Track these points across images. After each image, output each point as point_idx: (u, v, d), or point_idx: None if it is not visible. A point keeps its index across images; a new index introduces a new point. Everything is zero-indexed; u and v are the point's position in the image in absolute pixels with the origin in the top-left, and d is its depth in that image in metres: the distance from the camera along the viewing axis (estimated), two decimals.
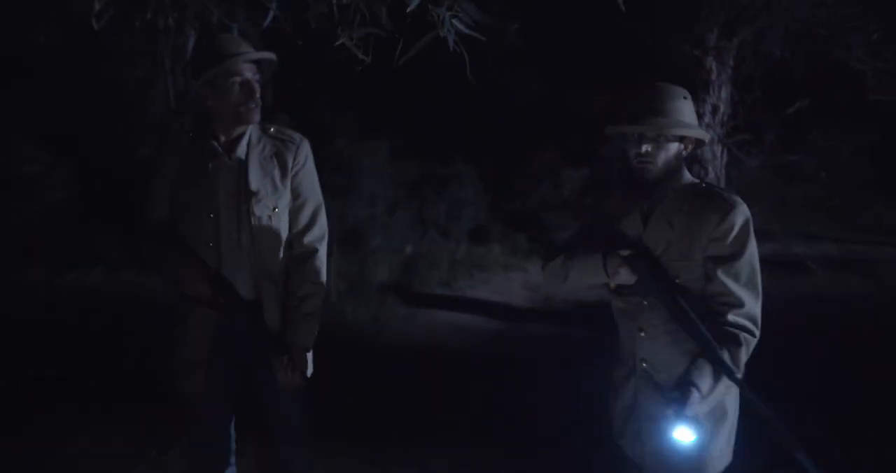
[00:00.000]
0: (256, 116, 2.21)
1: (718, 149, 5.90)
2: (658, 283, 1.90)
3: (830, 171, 14.30)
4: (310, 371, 2.32)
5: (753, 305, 1.93)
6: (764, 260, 5.96)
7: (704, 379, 1.83)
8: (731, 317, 1.90)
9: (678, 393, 1.81)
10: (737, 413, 2.07)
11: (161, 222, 2.34)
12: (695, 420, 1.80)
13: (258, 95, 2.18)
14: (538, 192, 11.48)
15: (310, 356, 2.32)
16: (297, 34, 2.55)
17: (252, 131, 2.26)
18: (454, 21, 1.92)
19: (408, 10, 1.90)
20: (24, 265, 7.12)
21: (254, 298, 2.28)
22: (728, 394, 1.97)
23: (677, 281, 1.93)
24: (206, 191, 2.23)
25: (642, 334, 1.99)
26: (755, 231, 1.95)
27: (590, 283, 2.04)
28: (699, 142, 2.03)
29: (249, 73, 2.16)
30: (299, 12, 2.30)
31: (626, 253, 1.93)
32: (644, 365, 2.00)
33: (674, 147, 1.95)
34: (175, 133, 2.32)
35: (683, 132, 1.92)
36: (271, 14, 2.22)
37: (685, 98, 1.97)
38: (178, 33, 7.75)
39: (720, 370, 1.83)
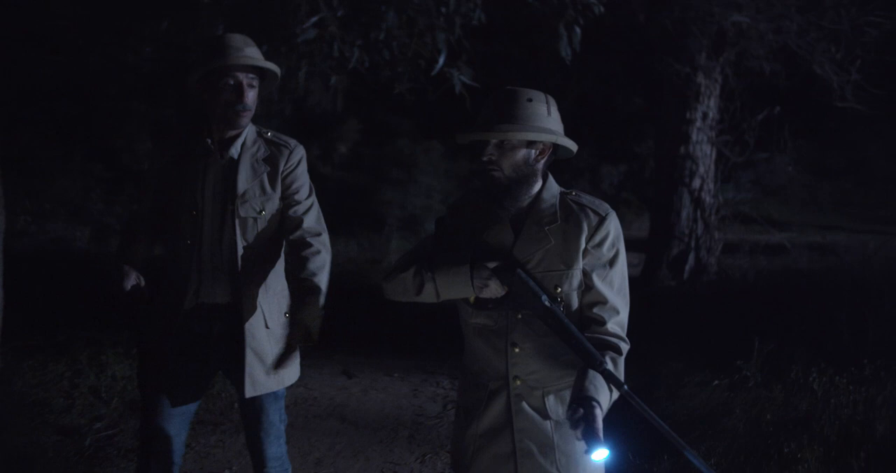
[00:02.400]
0: (244, 121, 2.18)
1: (708, 147, 7.16)
2: (535, 297, 1.77)
3: (859, 169, 15.17)
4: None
5: (625, 314, 1.88)
6: (766, 245, 7.21)
7: (602, 393, 1.71)
8: (610, 326, 1.83)
9: (582, 411, 1.65)
10: None
11: (141, 216, 2.32)
12: (602, 438, 1.64)
13: (248, 100, 2.14)
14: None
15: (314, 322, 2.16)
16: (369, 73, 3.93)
17: (248, 133, 2.23)
18: (461, 77, 3.35)
19: (432, 73, 3.32)
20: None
21: (229, 300, 2.22)
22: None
23: (558, 291, 1.82)
24: (192, 188, 2.19)
25: (516, 350, 1.85)
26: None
27: (450, 297, 1.86)
28: (559, 147, 1.87)
29: (245, 77, 2.13)
30: (372, 72, 3.69)
31: (493, 264, 1.81)
32: (518, 383, 1.86)
33: (521, 153, 1.81)
34: (170, 128, 2.40)
35: (529, 137, 1.79)
36: (352, 64, 3.55)
37: (530, 100, 1.81)
38: None
39: (609, 381, 1.73)
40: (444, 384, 4.63)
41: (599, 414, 1.64)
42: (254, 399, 2.25)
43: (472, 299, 1.83)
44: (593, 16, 3.65)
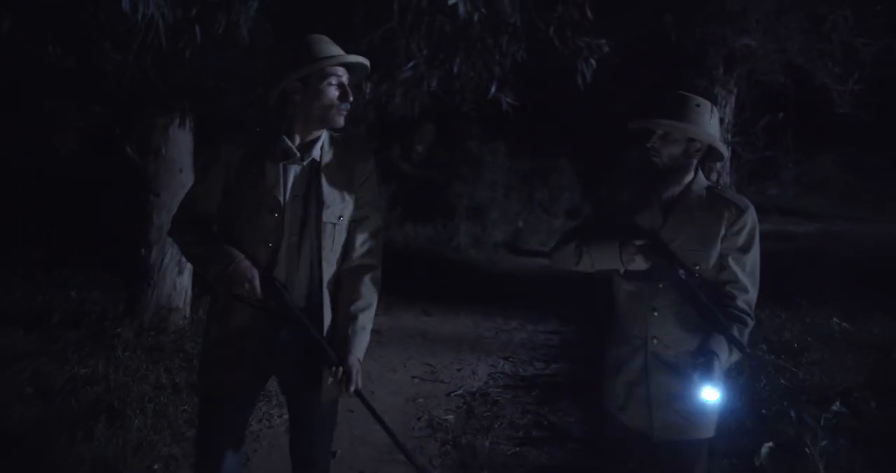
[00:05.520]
0: (343, 120, 2.10)
1: (725, 147, 8.56)
2: (673, 271, 2.03)
3: None
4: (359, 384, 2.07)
5: (754, 293, 2.11)
6: (787, 233, 8.75)
7: (723, 350, 1.99)
8: (739, 302, 2.08)
9: (703, 360, 1.95)
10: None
11: (207, 215, 2.16)
12: (717, 383, 1.94)
13: (351, 98, 2.07)
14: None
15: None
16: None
17: (325, 136, 2.14)
18: (507, 99, 5.01)
19: (488, 97, 4.98)
20: None
21: (304, 305, 2.12)
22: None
23: (696, 268, 2.07)
24: (273, 190, 2.07)
25: (655, 313, 2.10)
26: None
27: (601, 268, 2.14)
28: (713, 149, 2.16)
29: (345, 76, 2.07)
30: (447, 95, 5.33)
31: (640, 242, 2.06)
32: (655, 341, 2.11)
33: (679, 146, 2.08)
34: (239, 126, 2.18)
35: (690, 134, 2.05)
36: (432, 88, 5.18)
37: (698, 105, 2.10)
38: None
39: (733, 345, 2.00)
40: (497, 320, 6.28)
41: (717, 364, 1.95)
42: (315, 405, 2.18)
43: (621, 270, 2.13)
44: (601, 53, 5.20)
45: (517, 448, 3.62)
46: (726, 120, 8.64)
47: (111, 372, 4.35)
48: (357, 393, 2.06)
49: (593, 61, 5.30)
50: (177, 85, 5.19)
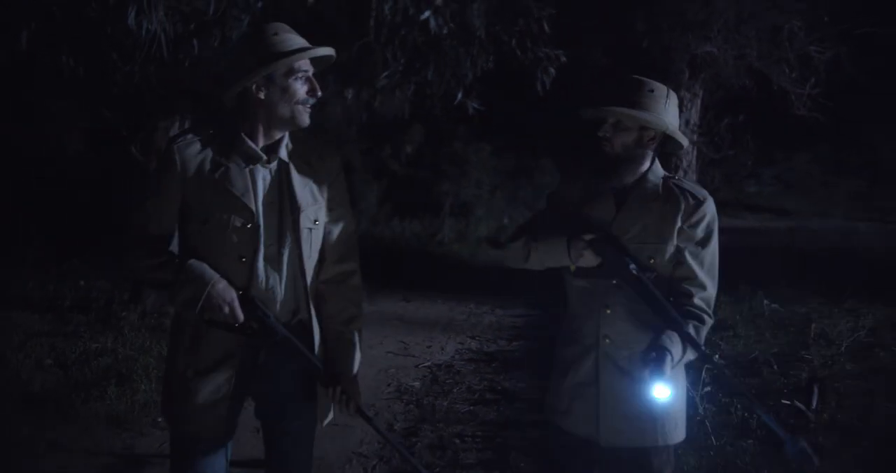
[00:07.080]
0: (309, 118, 1.93)
1: (690, 147, 9.14)
2: (624, 266, 1.92)
3: (875, 168, 16.53)
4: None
5: (712, 290, 2.02)
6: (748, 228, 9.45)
7: (676, 347, 1.90)
8: (696, 300, 1.99)
9: (654, 355, 1.85)
10: (685, 395, 2.12)
11: (164, 233, 1.92)
12: (670, 380, 1.84)
13: (319, 93, 1.91)
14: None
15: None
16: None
17: (287, 135, 1.97)
18: (473, 105, 5.58)
19: (454, 103, 5.55)
20: None
21: (290, 322, 1.98)
22: (679, 375, 2.04)
23: (651, 262, 1.97)
24: (243, 197, 1.89)
25: (608, 311, 2.00)
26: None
27: (551, 265, 2.03)
28: (671, 138, 2.02)
29: (311, 69, 1.91)
30: (421, 100, 5.90)
31: (589, 237, 1.95)
32: (607, 341, 2.01)
33: (633, 135, 1.97)
34: (189, 131, 1.95)
35: (642, 122, 1.94)
36: (409, 94, 5.75)
37: (651, 91, 1.98)
38: None
39: (688, 343, 1.90)
40: (471, 306, 6.88)
41: (669, 360, 1.86)
42: (289, 433, 2.06)
43: (572, 267, 2.02)
44: (560, 63, 5.77)
45: (471, 407, 4.20)
46: (691, 121, 9.22)
47: (119, 347, 4.90)
48: (359, 411, 1.97)
49: (552, 69, 5.88)
50: (177, 91, 5.76)
